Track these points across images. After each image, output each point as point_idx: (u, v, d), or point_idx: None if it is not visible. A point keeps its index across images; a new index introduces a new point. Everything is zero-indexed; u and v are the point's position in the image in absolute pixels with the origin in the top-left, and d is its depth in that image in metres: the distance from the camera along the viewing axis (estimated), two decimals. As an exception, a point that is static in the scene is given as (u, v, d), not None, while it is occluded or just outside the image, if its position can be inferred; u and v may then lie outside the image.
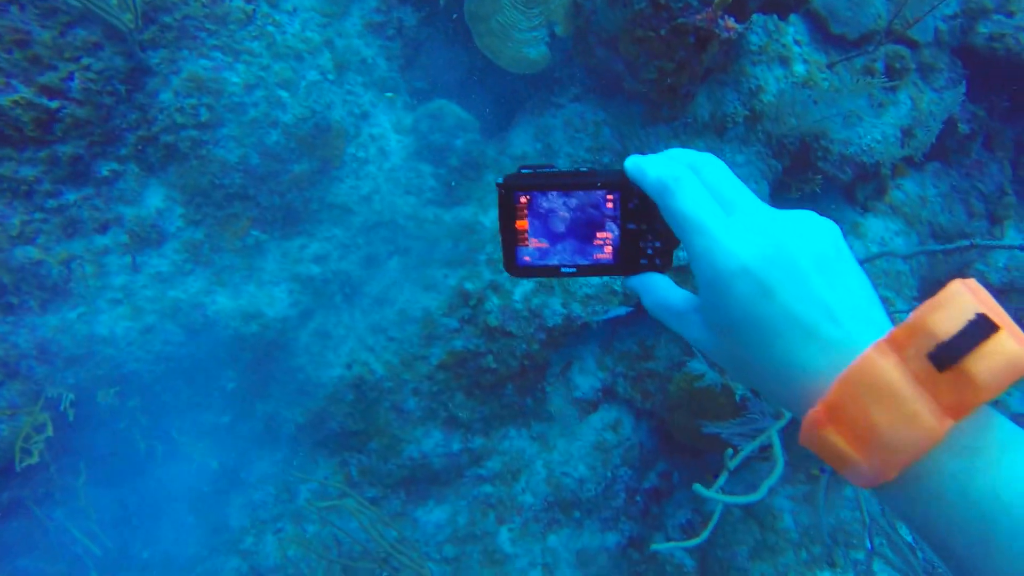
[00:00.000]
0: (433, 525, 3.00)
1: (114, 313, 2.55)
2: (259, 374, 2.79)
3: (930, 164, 3.22)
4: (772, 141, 2.85)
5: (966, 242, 2.02)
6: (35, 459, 2.30)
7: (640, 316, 2.95)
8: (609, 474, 3.07)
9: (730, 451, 2.25)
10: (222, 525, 2.94)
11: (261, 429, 2.87)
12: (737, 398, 2.71)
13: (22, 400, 2.48)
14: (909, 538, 2.42)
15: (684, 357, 2.95)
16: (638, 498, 3.21)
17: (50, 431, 2.37)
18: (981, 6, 3.09)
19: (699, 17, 2.21)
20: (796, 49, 2.89)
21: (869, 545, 2.29)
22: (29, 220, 2.44)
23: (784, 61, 2.86)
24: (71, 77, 2.40)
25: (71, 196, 2.49)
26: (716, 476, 3.32)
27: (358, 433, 2.90)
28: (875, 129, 2.96)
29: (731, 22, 2.19)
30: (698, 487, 1.98)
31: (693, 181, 0.62)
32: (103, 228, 2.55)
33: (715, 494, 1.99)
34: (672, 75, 2.53)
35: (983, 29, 3.10)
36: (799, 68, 2.88)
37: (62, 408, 2.46)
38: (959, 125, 3.09)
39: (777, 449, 2.15)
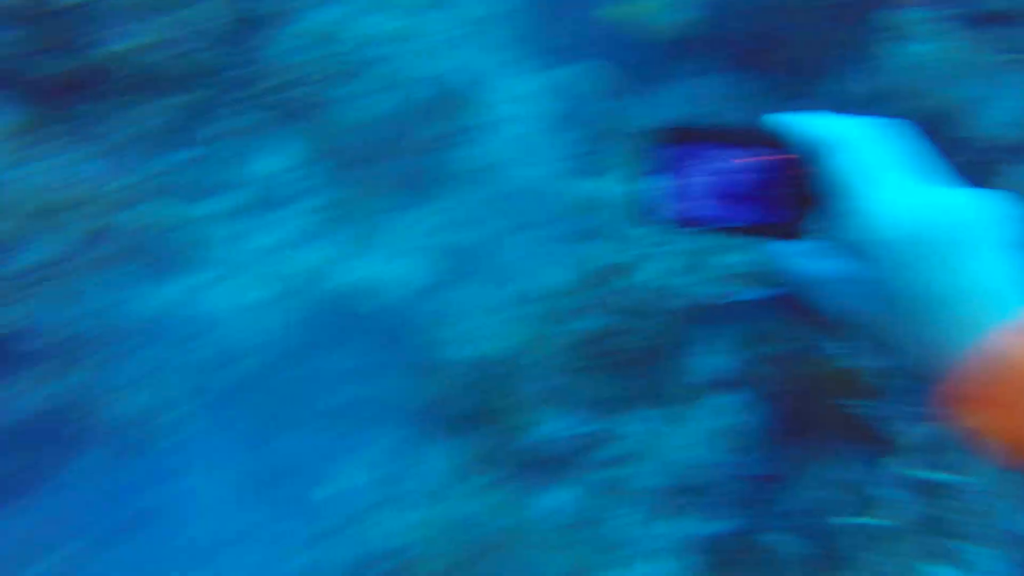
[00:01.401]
0: (551, 509, 2.88)
1: (234, 283, 2.35)
2: (380, 352, 2.61)
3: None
4: (913, 115, 2.78)
5: None
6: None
7: (767, 298, 2.87)
8: (728, 459, 2.99)
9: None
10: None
11: (376, 411, 2.70)
12: (873, 380, 2.66)
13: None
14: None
15: (812, 340, 2.88)
16: (754, 484, 3.16)
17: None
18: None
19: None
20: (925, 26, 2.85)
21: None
22: (142, 180, 2.25)
23: (918, 37, 2.81)
24: (187, 23, 2.20)
25: (186, 155, 2.29)
26: (825, 459, 3.27)
27: (479, 414, 2.75)
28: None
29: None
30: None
31: (860, 142, 0.59)
32: (222, 189, 2.35)
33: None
34: (827, 47, 2.44)
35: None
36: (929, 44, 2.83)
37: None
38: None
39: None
